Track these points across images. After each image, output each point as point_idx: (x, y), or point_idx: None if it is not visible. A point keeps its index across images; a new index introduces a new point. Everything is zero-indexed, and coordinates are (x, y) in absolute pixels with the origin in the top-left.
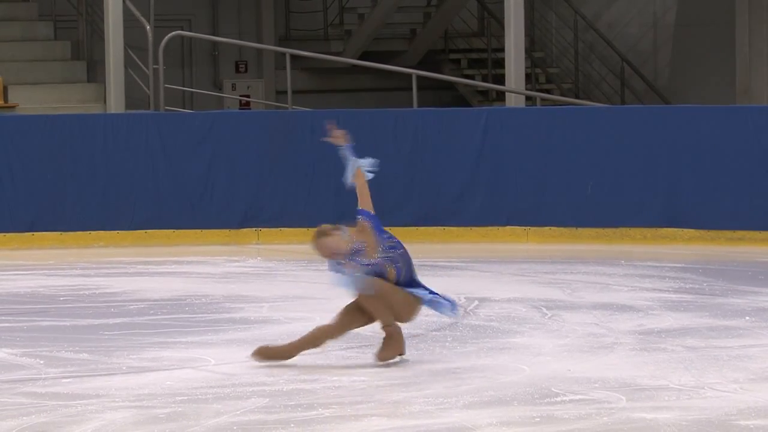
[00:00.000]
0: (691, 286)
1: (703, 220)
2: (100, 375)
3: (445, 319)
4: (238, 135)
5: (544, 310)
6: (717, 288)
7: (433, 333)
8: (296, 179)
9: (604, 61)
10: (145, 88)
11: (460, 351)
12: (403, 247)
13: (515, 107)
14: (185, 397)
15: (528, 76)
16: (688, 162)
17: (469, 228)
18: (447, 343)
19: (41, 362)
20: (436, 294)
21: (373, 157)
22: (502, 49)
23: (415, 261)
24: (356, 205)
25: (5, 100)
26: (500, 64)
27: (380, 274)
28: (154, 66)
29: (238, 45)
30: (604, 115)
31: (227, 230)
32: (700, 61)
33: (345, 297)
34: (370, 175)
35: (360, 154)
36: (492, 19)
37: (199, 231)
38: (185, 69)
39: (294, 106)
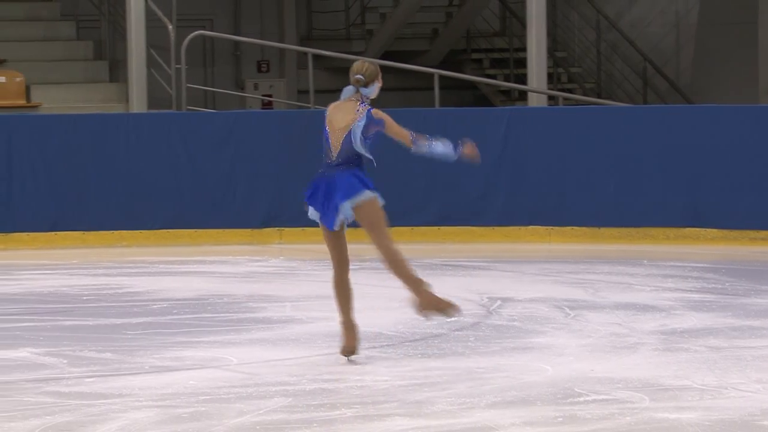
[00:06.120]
0: (713, 286)
1: (726, 220)
2: (123, 374)
3: (468, 320)
4: (260, 135)
5: (567, 310)
6: (740, 288)
7: (456, 333)
8: None
9: (626, 61)
10: (168, 88)
11: (483, 351)
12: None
13: (537, 107)
14: (208, 397)
15: (550, 76)
16: (710, 161)
17: (491, 228)
18: (470, 343)
19: (64, 362)
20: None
21: (394, 157)
22: (524, 49)
23: (437, 261)
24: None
25: (28, 99)
26: (522, 63)
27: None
28: (177, 66)
29: (260, 45)
30: (627, 115)
31: (249, 230)
32: (722, 61)
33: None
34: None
35: (389, 155)
36: (514, 18)
37: (221, 231)
38: (207, 69)
39: (316, 106)
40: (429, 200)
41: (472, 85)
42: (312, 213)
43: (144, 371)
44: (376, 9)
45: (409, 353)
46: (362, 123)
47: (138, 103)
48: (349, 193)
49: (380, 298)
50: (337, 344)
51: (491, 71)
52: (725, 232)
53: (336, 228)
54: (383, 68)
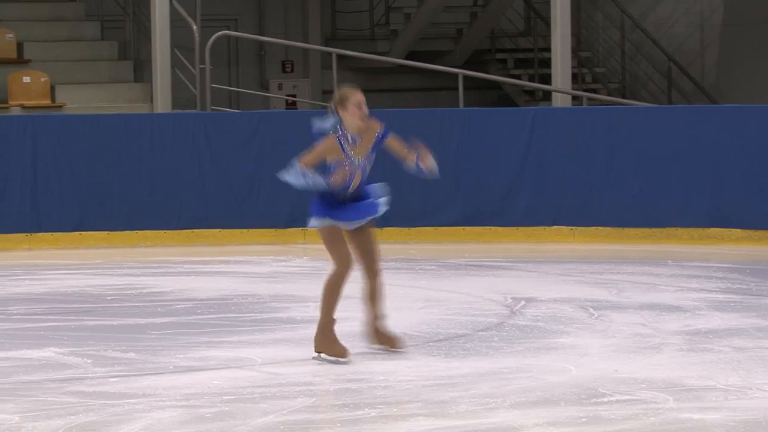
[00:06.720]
0: (738, 286)
1: (751, 221)
2: (147, 374)
3: (492, 320)
4: (285, 135)
5: (591, 310)
6: (765, 288)
7: (480, 333)
8: None
9: (650, 61)
10: (192, 88)
11: (507, 351)
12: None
13: (562, 107)
14: (232, 397)
15: (574, 76)
16: (735, 162)
17: (515, 228)
18: (494, 343)
19: (89, 361)
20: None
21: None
22: (549, 49)
23: (461, 261)
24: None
25: (52, 99)
26: (546, 63)
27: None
28: (201, 66)
29: (284, 45)
30: (651, 115)
31: (273, 230)
32: (747, 61)
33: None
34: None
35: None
36: (538, 18)
37: (245, 230)
38: (231, 69)
39: None
40: (453, 200)
41: (496, 85)
42: None
43: (168, 371)
44: (401, 9)
45: (432, 353)
46: None
47: (162, 103)
48: None
49: (404, 299)
50: (360, 344)
51: (515, 71)
52: (750, 232)
53: None
54: (407, 68)
